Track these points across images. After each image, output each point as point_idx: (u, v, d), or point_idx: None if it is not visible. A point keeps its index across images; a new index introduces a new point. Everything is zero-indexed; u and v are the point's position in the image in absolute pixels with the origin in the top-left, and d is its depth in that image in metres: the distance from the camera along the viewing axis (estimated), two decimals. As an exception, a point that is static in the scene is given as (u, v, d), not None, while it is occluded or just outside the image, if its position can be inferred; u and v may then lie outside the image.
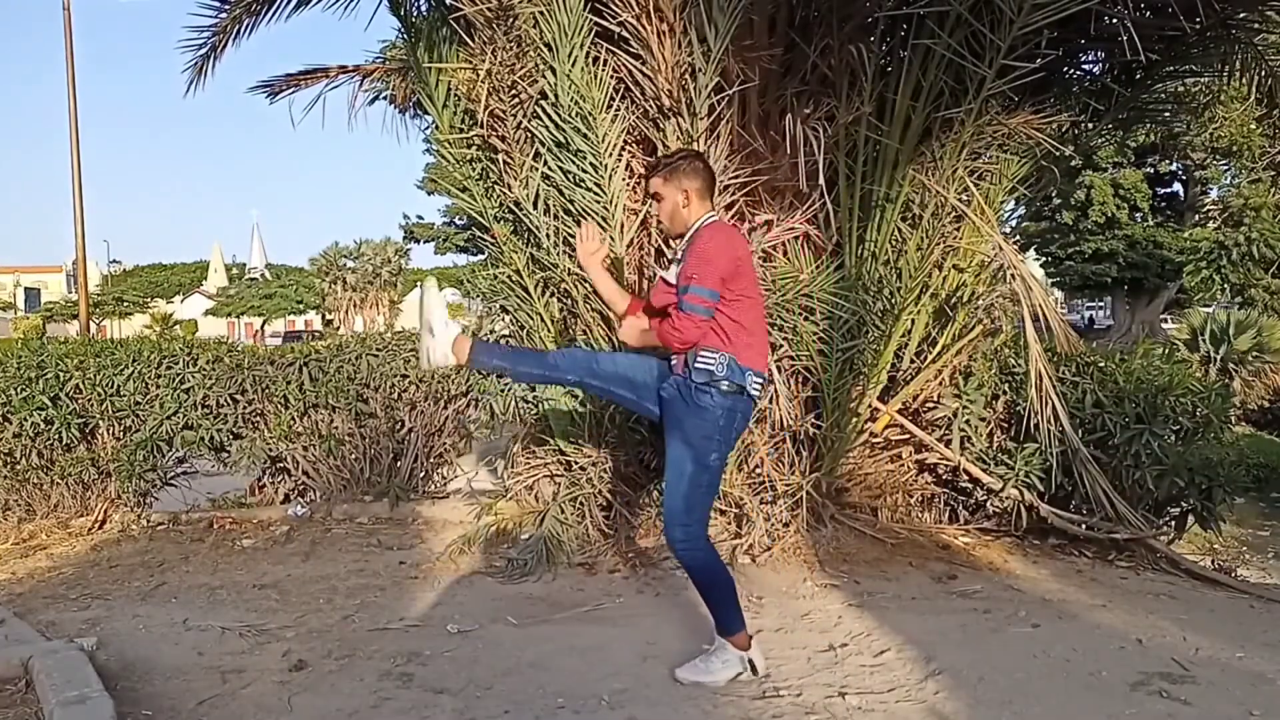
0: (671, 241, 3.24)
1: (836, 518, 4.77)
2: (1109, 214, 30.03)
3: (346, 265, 50.77)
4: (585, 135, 4.31)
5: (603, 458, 4.70)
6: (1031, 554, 4.73)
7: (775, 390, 4.58)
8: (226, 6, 5.98)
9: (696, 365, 3.08)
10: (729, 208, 4.58)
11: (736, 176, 4.47)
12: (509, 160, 4.64)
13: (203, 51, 6.32)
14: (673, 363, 3.22)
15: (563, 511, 4.68)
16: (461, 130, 4.84)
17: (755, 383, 3.13)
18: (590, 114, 4.27)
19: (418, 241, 54.46)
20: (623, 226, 4.47)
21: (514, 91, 4.49)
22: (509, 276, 4.88)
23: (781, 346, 4.49)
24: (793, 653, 3.40)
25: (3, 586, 4.43)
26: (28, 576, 4.59)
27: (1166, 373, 4.91)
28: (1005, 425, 4.91)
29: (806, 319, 4.47)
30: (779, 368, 4.57)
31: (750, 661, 3.14)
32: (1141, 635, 3.51)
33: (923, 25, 4.31)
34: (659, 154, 3.42)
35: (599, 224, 4.42)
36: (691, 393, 3.07)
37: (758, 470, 4.67)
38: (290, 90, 7.15)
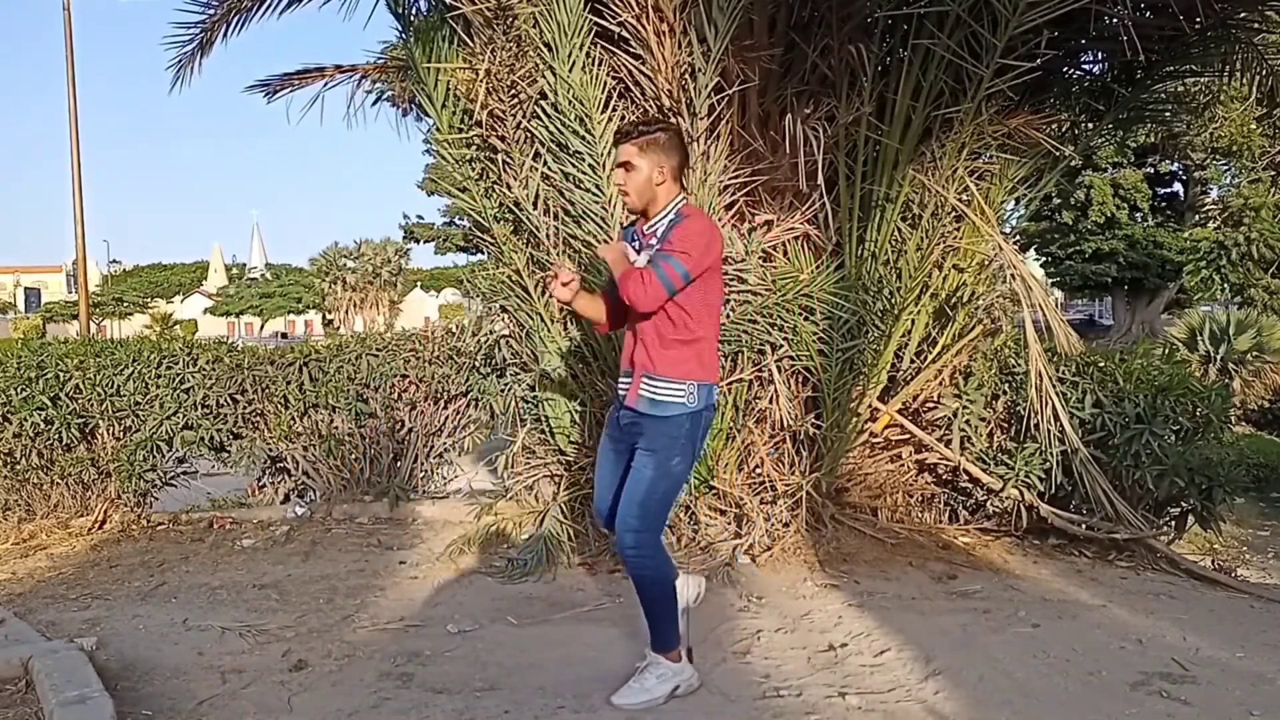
0: (637, 225, 3.05)
1: (836, 518, 4.77)
2: (1109, 214, 30.00)
3: (346, 265, 50.80)
4: (583, 136, 4.31)
5: (603, 458, 4.69)
6: (1031, 554, 4.73)
7: (775, 390, 4.58)
8: (215, 3, 5.95)
9: (658, 399, 2.90)
10: (729, 208, 4.58)
11: (736, 176, 4.47)
12: (508, 160, 4.64)
13: (189, 49, 6.28)
14: (621, 394, 3.02)
15: (563, 511, 4.68)
16: (461, 130, 4.84)
17: (714, 395, 3.01)
18: (588, 114, 4.27)
19: (418, 241, 54.46)
20: (621, 226, 4.46)
21: (513, 91, 4.49)
22: (509, 276, 4.88)
23: (782, 346, 4.49)
24: (793, 653, 3.40)
25: (3, 586, 4.43)
26: (28, 576, 4.59)
27: (1166, 373, 4.91)
28: (1005, 425, 4.91)
29: (806, 319, 4.47)
30: (779, 368, 4.57)
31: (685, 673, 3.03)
32: (1141, 635, 3.51)
33: (922, 25, 4.31)
34: (632, 120, 3.19)
35: (597, 224, 4.43)
36: (653, 406, 2.92)
37: (758, 470, 4.67)
38: (288, 90, 7.15)
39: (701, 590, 3.25)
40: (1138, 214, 31.19)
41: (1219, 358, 15.57)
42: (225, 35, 6.15)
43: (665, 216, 2.95)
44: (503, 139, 4.63)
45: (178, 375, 5.52)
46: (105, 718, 2.67)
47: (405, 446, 5.89)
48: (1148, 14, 4.74)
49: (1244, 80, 5.38)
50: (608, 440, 3.15)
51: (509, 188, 4.67)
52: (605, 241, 4.39)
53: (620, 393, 3.05)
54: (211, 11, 5.99)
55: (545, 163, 4.51)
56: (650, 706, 2.93)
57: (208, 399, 5.53)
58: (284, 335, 53.20)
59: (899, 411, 4.97)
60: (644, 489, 2.91)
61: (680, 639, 3.05)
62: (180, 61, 6.37)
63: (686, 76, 4.22)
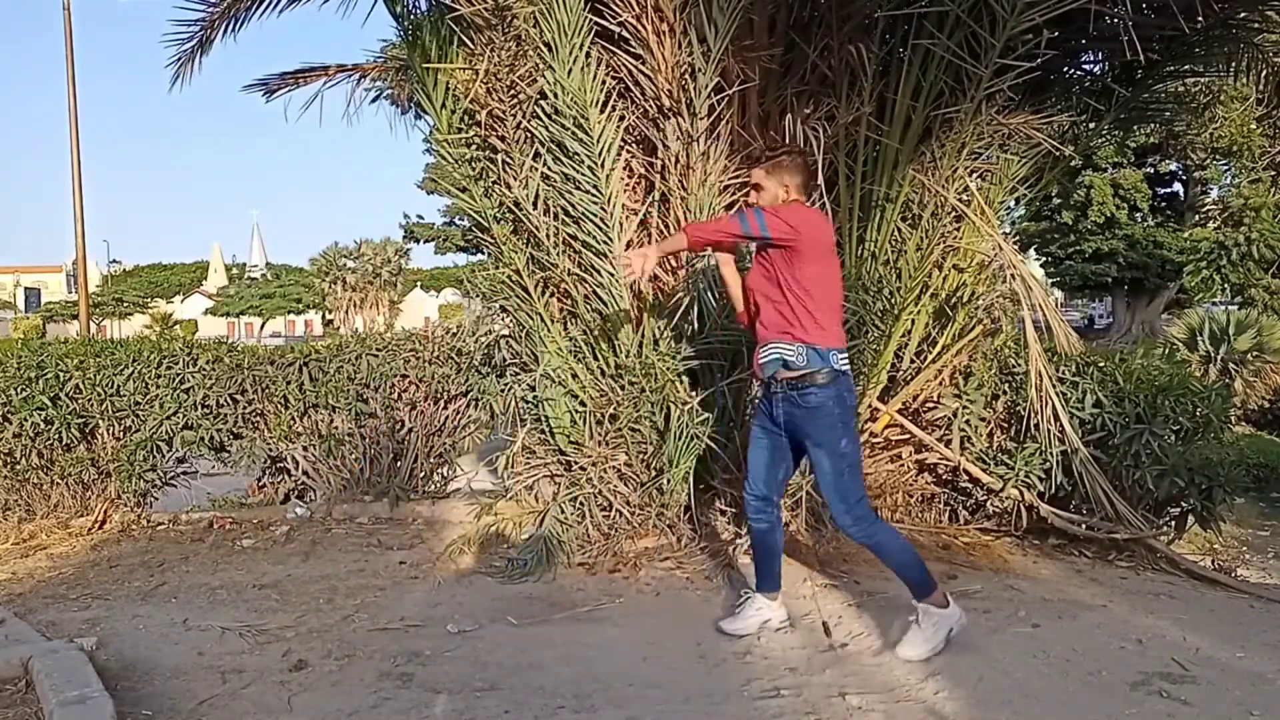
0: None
1: (837, 518, 4.76)
2: (1109, 214, 30.01)
3: (346, 265, 50.78)
4: (580, 137, 4.31)
5: (603, 458, 4.69)
6: (1031, 554, 4.73)
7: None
8: (215, 0, 5.93)
9: (769, 357, 3.28)
10: (729, 208, 4.58)
11: (736, 176, 4.47)
12: (508, 160, 4.64)
13: (188, 47, 6.25)
14: (756, 369, 3.40)
15: (563, 511, 4.68)
16: (460, 130, 4.84)
17: (841, 359, 3.28)
18: (585, 115, 4.27)
19: (418, 241, 54.47)
20: (621, 226, 4.47)
21: (513, 91, 4.49)
22: (509, 276, 4.88)
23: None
24: (793, 652, 3.40)
25: (3, 586, 4.43)
26: (28, 576, 4.59)
27: (1166, 373, 4.90)
28: (1005, 425, 4.90)
29: (806, 319, 4.46)
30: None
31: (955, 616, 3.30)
32: (1141, 635, 3.51)
33: (922, 25, 4.31)
34: (765, 148, 3.62)
35: (596, 225, 4.42)
36: (797, 399, 3.25)
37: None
38: (287, 89, 7.14)
39: (786, 620, 3.63)
40: (1138, 214, 31.19)
41: (1219, 358, 15.58)
42: (226, 33, 6.12)
43: None
44: (502, 139, 4.63)
45: (178, 375, 5.53)
46: (105, 718, 2.67)
47: (405, 446, 5.89)
48: (1148, 14, 4.74)
49: (1246, 80, 5.38)
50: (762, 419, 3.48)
51: (509, 188, 4.67)
52: (605, 241, 4.40)
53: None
54: (212, 9, 5.97)
55: (545, 163, 4.51)
56: (934, 653, 3.22)
57: (208, 399, 5.53)
58: (274, 334, 53.41)
59: (899, 411, 4.97)
60: (831, 477, 3.25)
61: (937, 582, 3.33)
62: (180, 60, 6.34)
63: (686, 76, 4.22)
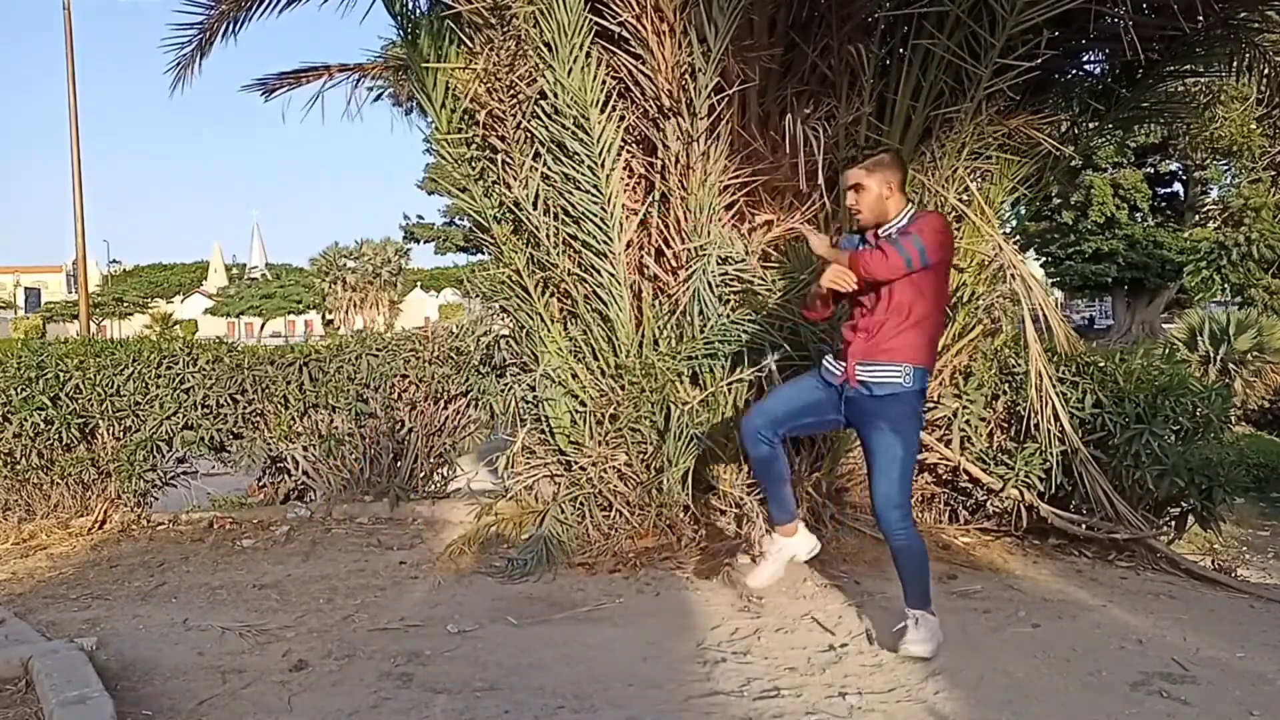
0: (866, 233, 3.41)
1: (836, 518, 4.77)
2: (1109, 214, 30.00)
3: (346, 265, 50.78)
4: (580, 137, 4.31)
5: (603, 458, 4.69)
6: (1031, 554, 4.73)
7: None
8: (213, 2, 5.92)
9: (878, 380, 3.25)
10: (729, 208, 4.58)
11: (736, 176, 4.47)
12: (508, 160, 4.64)
13: (186, 51, 6.23)
14: (834, 370, 3.37)
15: (563, 511, 4.68)
16: (460, 130, 4.84)
17: (929, 379, 3.42)
18: (585, 114, 4.27)
19: (418, 241, 54.48)
20: (621, 225, 4.47)
21: (513, 91, 4.49)
22: (509, 276, 4.88)
23: (782, 346, 4.49)
24: (793, 653, 3.40)
25: (3, 586, 4.43)
26: (28, 576, 4.59)
27: (1166, 373, 4.90)
28: (1005, 425, 4.90)
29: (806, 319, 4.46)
30: (779, 368, 4.57)
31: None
32: (1141, 635, 3.51)
33: (922, 25, 4.31)
34: (864, 153, 3.69)
35: (596, 225, 4.42)
36: (882, 390, 3.27)
37: (758, 470, 4.67)
38: (286, 89, 7.12)
39: (814, 547, 3.69)
40: (1138, 214, 31.19)
41: (1219, 358, 15.58)
42: (225, 34, 6.11)
43: (899, 221, 3.30)
44: (502, 139, 4.63)
45: (178, 375, 5.53)
46: (105, 718, 2.67)
47: (405, 446, 5.89)
48: (1148, 14, 4.74)
49: (1247, 79, 5.37)
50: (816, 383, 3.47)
51: (509, 188, 4.67)
52: (605, 241, 4.39)
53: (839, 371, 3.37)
54: (211, 11, 5.96)
55: (545, 163, 4.51)
56: (935, 652, 3.27)
57: (208, 399, 5.53)
58: (274, 334, 53.59)
59: (899, 411, 4.96)
60: (899, 467, 3.26)
61: (795, 513, 3.58)
62: (179, 64, 6.33)
63: (686, 76, 4.22)
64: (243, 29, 6.08)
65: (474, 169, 4.85)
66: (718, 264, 4.40)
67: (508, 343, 5.44)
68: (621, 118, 4.44)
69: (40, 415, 5.30)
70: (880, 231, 3.34)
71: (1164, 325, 29.49)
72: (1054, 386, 4.49)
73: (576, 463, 4.77)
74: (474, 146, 4.80)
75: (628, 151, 4.59)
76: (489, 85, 4.51)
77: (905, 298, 3.23)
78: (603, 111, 4.33)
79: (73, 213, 18.57)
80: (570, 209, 4.48)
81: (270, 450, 5.71)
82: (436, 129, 4.93)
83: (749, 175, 4.48)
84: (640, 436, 4.64)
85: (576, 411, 4.79)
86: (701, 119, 4.28)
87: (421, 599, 4.11)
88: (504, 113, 4.55)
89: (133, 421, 5.50)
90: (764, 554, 3.67)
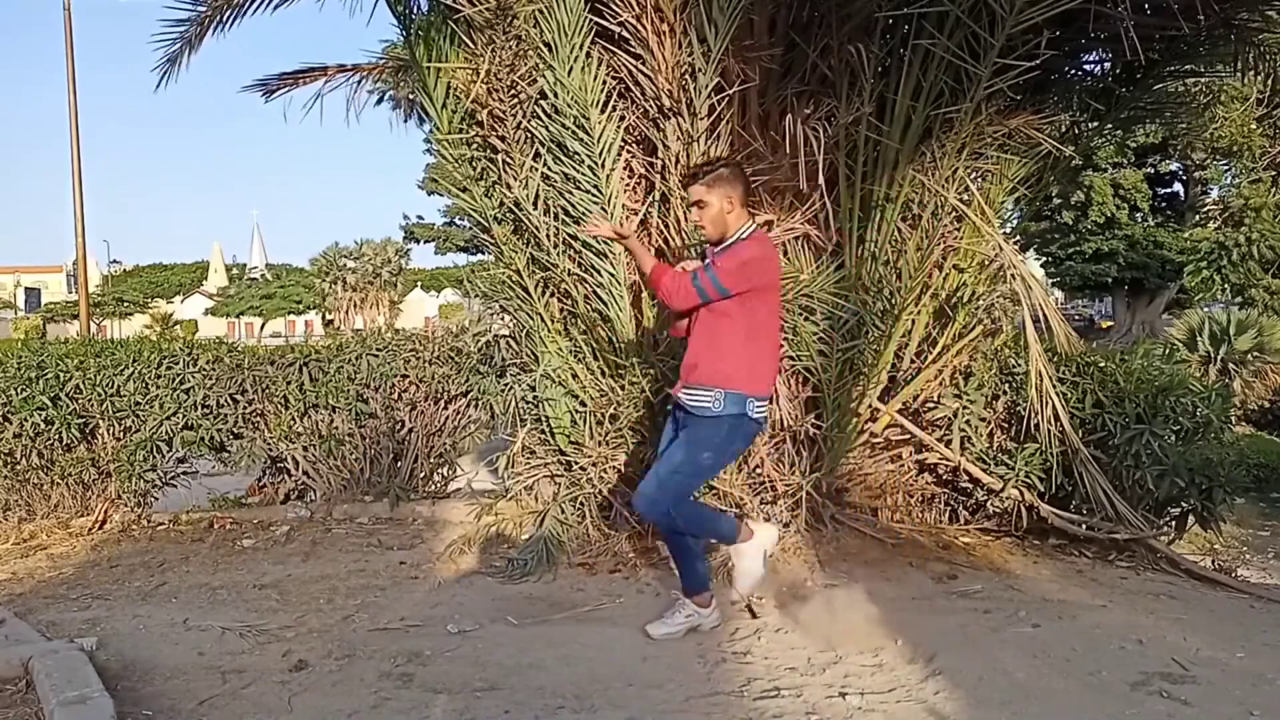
0: (709, 247, 3.47)
1: (837, 518, 4.77)
2: (1109, 214, 30.01)
3: (347, 265, 50.78)
4: (581, 137, 4.31)
5: (603, 458, 4.70)
6: (1032, 554, 4.73)
7: (775, 390, 4.58)
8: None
9: (691, 403, 3.35)
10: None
11: (736, 176, 4.46)
12: (509, 160, 4.64)
13: (175, 47, 6.17)
14: (677, 396, 3.47)
15: (563, 511, 4.68)
16: (461, 130, 4.84)
17: (757, 407, 3.36)
18: (586, 114, 4.27)
19: (418, 241, 54.49)
20: (621, 225, 4.46)
21: (513, 91, 4.49)
22: (509, 276, 4.88)
23: (782, 347, 4.49)
24: (793, 653, 3.40)
25: (3, 586, 4.43)
26: (28, 576, 4.59)
27: (1167, 373, 4.91)
28: (1005, 425, 4.90)
29: (807, 319, 4.47)
30: (779, 368, 4.57)
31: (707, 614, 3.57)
32: (1142, 635, 3.51)
33: (922, 26, 4.31)
34: (696, 163, 3.66)
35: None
36: (692, 408, 3.36)
37: (758, 470, 4.67)
38: (286, 89, 7.12)
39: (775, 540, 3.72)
40: (1138, 214, 31.19)
41: (1219, 358, 15.59)
42: (216, 31, 6.06)
43: (737, 236, 3.35)
44: (503, 139, 4.63)
45: (178, 375, 5.53)
46: (105, 718, 2.67)
47: (405, 447, 5.89)
48: (1148, 14, 4.74)
49: (1248, 79, 5.37)
50: (669, 423, 3.62)
51: (509, 188, 4.67)
52: (605, 241, 4.39)
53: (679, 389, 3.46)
54: (202, 8, 5.92)
55: (545, 163, 4.51)
56: (671, 638, 3.49)
57: (208, 399, 5.53)
58: (274, 335, 53.82)
59: (899, 411, 4.97)
60: (668, 468, 3.37)
61: (707, 586, 3.59)
62: (168, 60, 6.28)
63: (687, 76, 4.22)
64: (233, 26, 6.04)
65: (474, 169, 4.85)
66: (718, 264, 4.40)
67: (508, 343, 5.44)
68: (622, 118, 4.45)
69: (40, 415, 5.30)
70: (716, 251, 3.39)
71: (1164, 326, 29.49)
72: (1054, 386, 4.49)
73: (577, 463, 4.77)
74: (474, 146, 4.80)
75: (628, 151, 4.60)
76: (490, 85, 4.51)
77: (708, 327, 3.33)
78: (603, 111, 4.33)
79: (73, 213, 18.59)
80: (571, 209, 4.48)
81: (270, 450, 5.70)
82: (438, 129, 4.93)
83: (749, 175, 4.48)
84: (640, 437, 4.64)
85: (576, 411, 4.79)
86: (702, 119, 4.28)
87: (422, 599, 4.11)
88: (504, 113, 4.55)
89: (133, 421, 5.50)
90: (674, 609, 3.63)
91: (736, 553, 3.49)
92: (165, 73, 6.35)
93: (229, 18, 5.98)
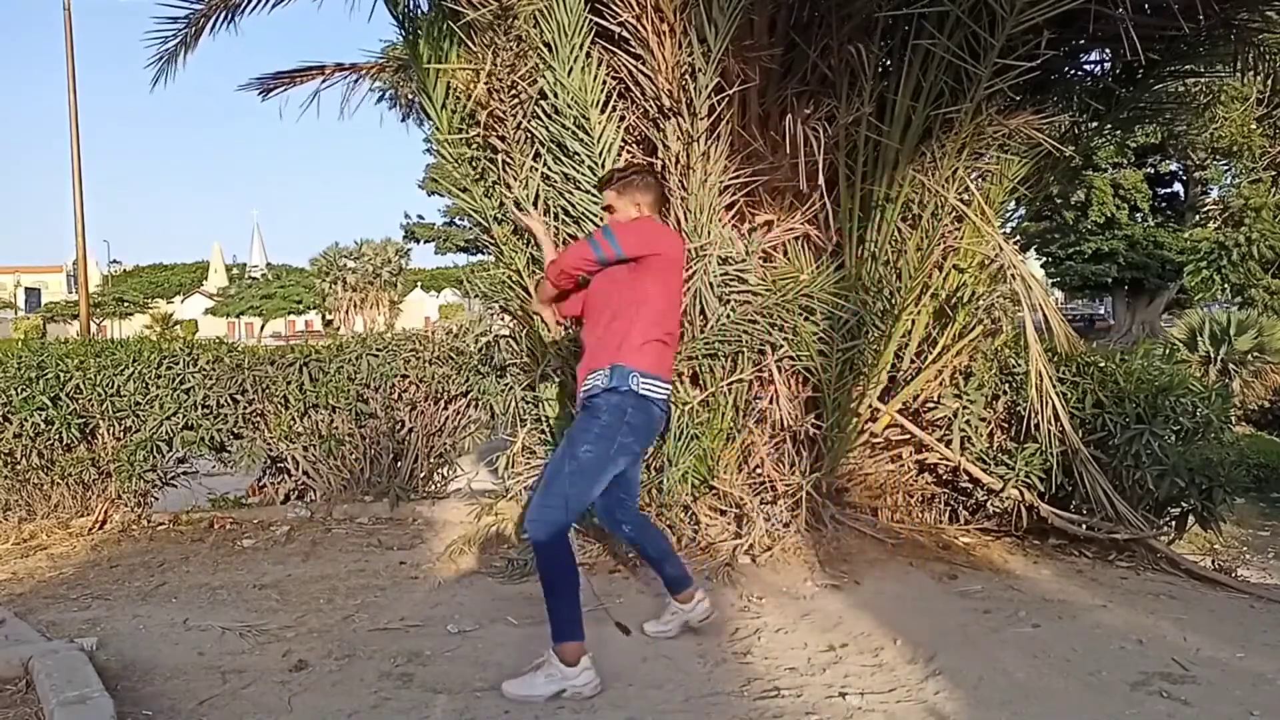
0: None
1: (837, 518, 4.77)
2: (1109, 214, 30.01)
3: (347, 265, 50.77)
4: (581, 137, 4.31)
5: (603, 458, 4.69)
6: (1032, 554, 4.73)
7: (776, 390, 4.59)
8: None
9: (584, 390, 3.19)
10: (729, 208, 4.58)
11: (737, 177, 4.47)
12: (509, 160, 4.64)
13: (170, 46, 6.12)
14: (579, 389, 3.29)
15: (563, 511, 4.67)
16: (461, 130, 4.84)
17: (647, 383, 3.11)
18: (586, 115, 4.27)
19: (418, 241, 54.46)
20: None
21: (514, 92, 4.49)
22: (509, 277, 4.88)
23: (782, 347, 4.49)
24: (793, 653, 3.40)
25: (3, 586, 4.43)
26: (28, 576, 4.59)
27: (1167, 373, 4.91)
28: (1005, 425, 4.91)
29: (807, 319, 4.47)
30: (779, 368, 4.57)
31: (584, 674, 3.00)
32: (1142, 635, 3.51)
33: (922, 26, 4.31)
34: (614, 171, 3.51)
35: (596, 225, 4.42)
36: (585, 399, 3.19)
37: (758, 470, 4.67)
38: (284, 88, 7.11)
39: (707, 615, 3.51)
40: (1138, 214, 31.19)
41: (1219, 358, 15.59)
42: (214, 29, 6.04)
43: None
44: (503, 139, 4.63)
45: (178, 375, 5.53)
46: (105, 718, 2.67)
47: (405, 447, 5.89)
48: (1149, 14, 4.74)
49: (1249, 79, 5.37)
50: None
51: (509, 188, 4.67)
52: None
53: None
54: (198, 6, 5.90)
55: (545, 163, 4.51)
56: (527, 700, 2.95)
57: (208, 399, 5.53)
58: (274, 335, 53.98)
59: (899, 412, 4.97)
60: (551, 468, 3.16)
61: (579, 635, 3.04)
62: (161, 59, 6.25)
63: (687, 77, 4.22)
64: (230, 25, 6.02)
65: (475, 169, 4.85)
66: (718, 264, 4.40)
67: (508, 343, 5.44)
68: (622, 118, 4.45)
69: (41, 415, 5.30)
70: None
71: (1164, 326, 29.49)
72: (1054, 386, 4.49)
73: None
74: (475, 147, 4.80)
75: (628, 152, 4.59)
76: (490, 85, 4.51)
77: (597, 302, 3.24)
78: (603, 112, 4.34)
79: (73, 213, 18.57)
80: (570, 209, 4.48)
81: (270, 450, 5.71)
82: (437, 129, 4.93)
83: (749, 176, 4.48)
84: (640, 437, 4.63)
85: (576, 412, 4.78)
86: (702, 119, 4.28)
87: (422, 599, 4.11)
88: (504, 113, 4.55)
89: (133, 421, 5.51)
90: (539, 664, 3.06)
91: (548, 658, 3.01)
92: (161, 71, 6.31)
93: (226, 15, 5.95)
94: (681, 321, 3.52)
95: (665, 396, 3.22)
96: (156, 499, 5.72)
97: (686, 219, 4.43)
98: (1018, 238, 6.70)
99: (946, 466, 4.94)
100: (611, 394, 3.08)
